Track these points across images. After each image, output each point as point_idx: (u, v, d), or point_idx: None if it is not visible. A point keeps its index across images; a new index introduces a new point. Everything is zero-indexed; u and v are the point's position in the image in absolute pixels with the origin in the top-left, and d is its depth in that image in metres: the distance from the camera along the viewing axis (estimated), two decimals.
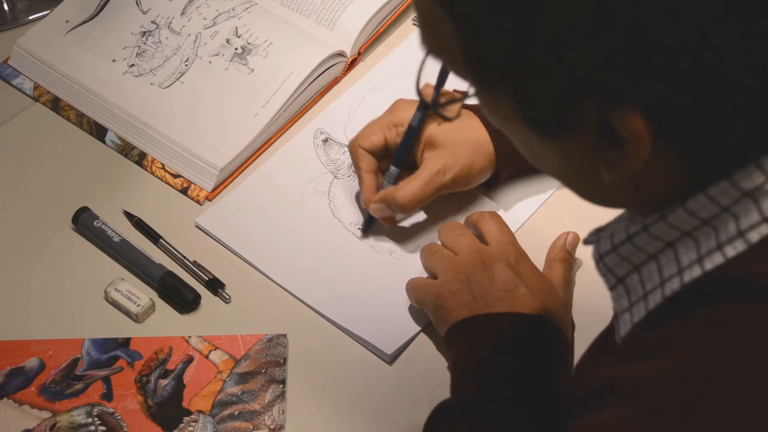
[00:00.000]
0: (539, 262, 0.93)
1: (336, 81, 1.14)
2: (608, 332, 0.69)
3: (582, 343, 0.88)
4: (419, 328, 0.93)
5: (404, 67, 1.14)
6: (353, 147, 0.99)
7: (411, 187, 0.95)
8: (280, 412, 0.88)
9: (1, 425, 0.88)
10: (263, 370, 0.90)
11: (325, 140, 1.08)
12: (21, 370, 0.91)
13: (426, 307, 0.91)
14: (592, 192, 0.61)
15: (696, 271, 0.57)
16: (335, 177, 1.05)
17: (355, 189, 1.04)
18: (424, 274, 0.96)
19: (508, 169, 1.00)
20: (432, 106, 0.95)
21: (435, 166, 0.96)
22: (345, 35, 1.14)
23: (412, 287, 0.93)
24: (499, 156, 0.98)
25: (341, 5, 1.15)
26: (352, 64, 1.15)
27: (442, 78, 0.92)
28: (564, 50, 0.52)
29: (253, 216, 1.02)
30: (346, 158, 1.06)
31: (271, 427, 0.87)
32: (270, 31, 1.13)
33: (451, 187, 0.97)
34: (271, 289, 0.97)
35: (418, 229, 1.01)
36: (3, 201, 1.05)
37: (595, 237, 0.65)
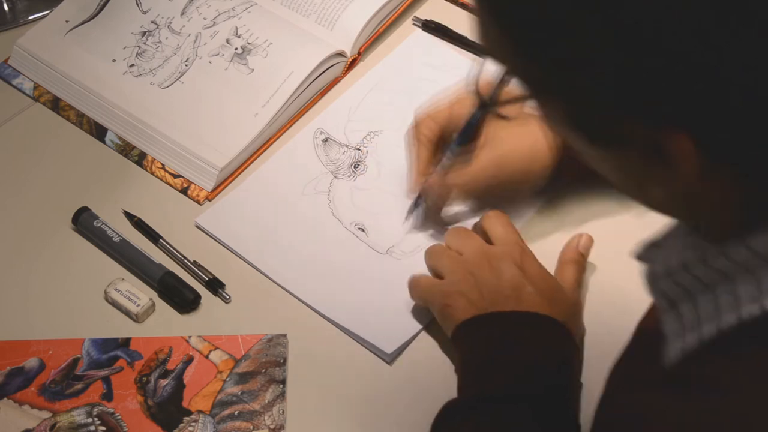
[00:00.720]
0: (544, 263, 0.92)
1: (336, 81, 1.14)
2: (643, 352, 0.68)
3: (592, 348, 0.88)
4: (419, 328, 0.93)
5: (404, 67, 1.14)
6: (416, 130, 0.98)
7: (466, 175, 0.95)
8: (280, 412, 0.88)
9: (1, 425, 0.88)
10: (263, 370, 0.90)
11: (325, 140, 1.08)
12: (21, 370, 0.91)
13: (432, 306, 0.90)
14: (647, 203, 0.61)
15: (754, 309, 0.56)
16: (335, 177, 1.05)
17: (355, 189, 1.04)
18: (425, 274, 0.96)
19: (571, 171, 0.96)
20: (489, 104, 0.93)
21: (489, 163, 0.95)
22: (345, 35, 1.14)
23: (417, 285, 0.92)
24: (564, 156, 0.95)
25: (341, 5, 1.15)
26: (352, 64, 1.15)
27: (504, 77, 0.90)
28: (608, 71, 0.51)
29: (252, 216, 1.02)
30: (347, 158, 1.06)
31: (271, 427, 0.87)
32: (270, 31, 1.13)
33: (501, 189, 0.96)
34: (271, 289, 0.97)
35: (419, 230, 1.01)
36: (3, 201, 1.05)
37: (649, 254, 0.64)
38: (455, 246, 0.92)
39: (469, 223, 0.98)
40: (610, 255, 0.93)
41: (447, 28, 1.17)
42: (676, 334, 0.61)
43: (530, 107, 0.96)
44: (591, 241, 0.94)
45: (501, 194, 0.98)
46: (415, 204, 1.00)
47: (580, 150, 0.60)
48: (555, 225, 0.98)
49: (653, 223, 0.64)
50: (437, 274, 0.92)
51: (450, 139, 0.97)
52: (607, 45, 0.51)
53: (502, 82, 0.90)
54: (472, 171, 0.95)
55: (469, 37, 1.16)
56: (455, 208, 1.00)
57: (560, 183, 1.00)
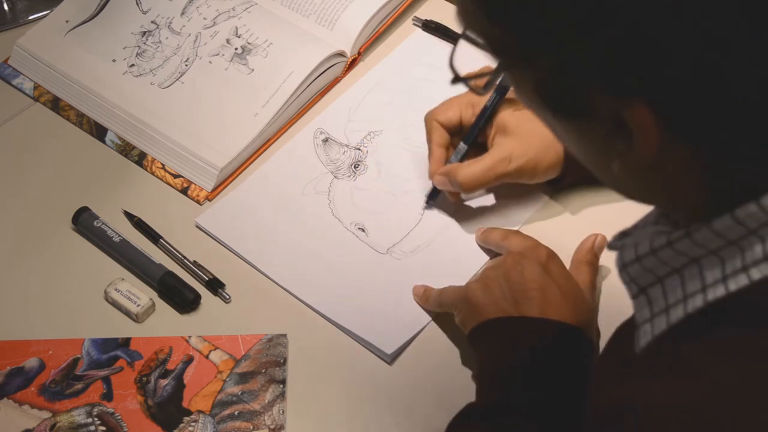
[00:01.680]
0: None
1: (336, 81, 1.14)
2: (621, 343, 0.68)
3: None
4: (419, 328, 0.93)
5: (404, 67, 1.14)
6: (429, 119, 1.00)
7: (473, 168, 0.96)
8: (280, 412, 0.88)
9: (1, 425, 0.88)
10: (263, 370, 0.90)
11: (325, 140, 1.08)
12: (21, 370, 0.91)
13: (455, 307, 0.90)
14: (610, 181, 0.61)
15: (720, 291, 0.56)
16: (335, 177, 1.05)
17: (355, 189, 1.04)
18: (425, 275, 0.96)
19: (575, 172, 0.98)
20: (506, 88, 0.95)
21: (502, 153, 0.96)
22: (345, 35, 1.14)
23: (442, 291, 0.92)
24: (568, 157, 0.96)
25: (341, 5, 1.15)
26: (352, 64, 1.15)
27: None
28: (569, 41, 0.52)
29: (252, 216, 1.02)
30: (347, 158, 1.06)
31: (271, 427, 0.87)
32: (270, 31, 1.13)
33: (515, 177, 0.97)
34: (271, 289, 0.97)
35: (419, 229, 1.01)
36: (3, 201, 1.05)
37: (619, 243, 0.64)
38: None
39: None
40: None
41: (447, 28, 1.17)
42: (646, 319, 0.61)
43: None
44: (605, 241, 0.94)
45: (515, 182, 0.98)
46: (432, 195, 1.01)
47: (547, 123, 0.60)
48: (559, 222, 0.98)
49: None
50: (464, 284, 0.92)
51: (463, 135, 0.99)
52: (572, 15, 0.52)
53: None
54: (479, 167, 0.96)
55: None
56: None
57: (563, 183, 1.00)
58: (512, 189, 1.00)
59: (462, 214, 1.01)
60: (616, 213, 0.96)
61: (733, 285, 0.56)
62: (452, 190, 0.98)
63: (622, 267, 0.63)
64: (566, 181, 1.00)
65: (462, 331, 0.92)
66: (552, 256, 0.90)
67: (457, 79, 0.88)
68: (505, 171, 0.95)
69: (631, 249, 0.62)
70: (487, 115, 0.97)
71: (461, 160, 0.98)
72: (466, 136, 0.98)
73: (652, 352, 0.61)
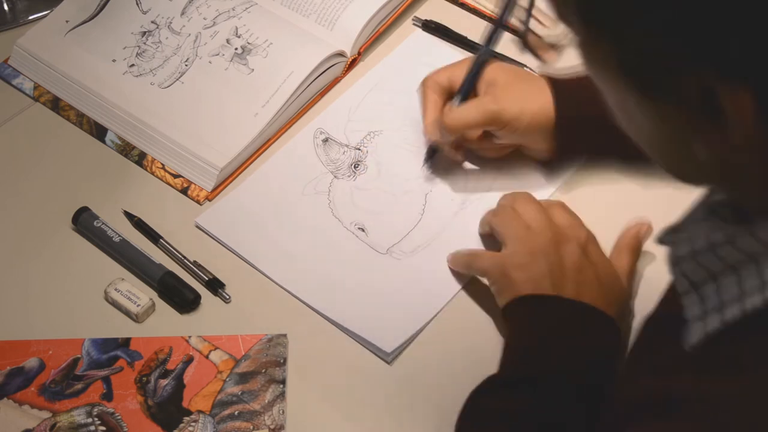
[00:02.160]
0: None
1: (336, 81, 1.14)
2: (655, 332, 0.68)
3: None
4: (419, 328, 0.93)
5: (404, 67, 1.14)
6: (424, 85, 1.02)
7: (460, 109, 0.98)
8: (280, 412, 0.88)
9: (1, 425, 0.88)
10: (263, 370, 0.90)
11: (325, 140, 1.08)
12: (21, 370, 0.91)
13: (489, 276, 0.90)
14: (677, 164, 0.59)
15: None
16: (335, 177, 1.05)
17: (355, 189, 1.04)
18: (425, 276, 0.96)
19: (562, 144, 0.98)
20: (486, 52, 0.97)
21: (488, 95, 0.98)
22: (345, 35, 1.14)
23: (475, 256, 0.93)
24: (558, 123, 0.96)
25: (341, 5, 1.15)
26: (352, 64, 1.15)
27: (528, 16, 0.90)
28: (675, 17, 0.50)
29: (252, 216, 1.02)
30: (347, 158, 1.06)
31: (271, 427, 0.87)
32: (270, 31, 1.13)
33: (500, 123, 0.97)
34: (271, 289, 0.97)
35: (419, 229, 1.01)
36: (3, 201, 1.05)
37: (670, 238, 0.64)
38: (526, 216, 0.91)
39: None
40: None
41: (447, 28, 1.17)
42: (698, 317, 0.60)
43: (546, 76, 0.99)
44: (651, 231, 0.94)
45: (500, 133, 0.99)
46: (430, 153, 1.03)
47: (619, 102, 0.58)
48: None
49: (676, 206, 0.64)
50: (501, 239, 0.91)
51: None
52: None
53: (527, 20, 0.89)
54: (465, 108, 0.98)
55: (469, 38, 1.16)
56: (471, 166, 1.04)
57: (578, 161, 1.01)
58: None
59: (462, 213, 1.01)
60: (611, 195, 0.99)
61: None
62: (442, 138, 1.00)
63: (676, 262, 0.62)
64: (558, 152, 0.99)
65: (462, 331, 0.92)
66: (592, 239, 0.90)
67: (524, 46, 0.86)
68: (492, 111, 0.96)
69: (686, 244, 0.61)
70: (477, 69, 1.00)
71: None
72: (459, 89, 1.00)
73: (704, 347, 0.60)
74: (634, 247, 0.93)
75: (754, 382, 0.54)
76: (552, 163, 1.01)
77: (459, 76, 1.01)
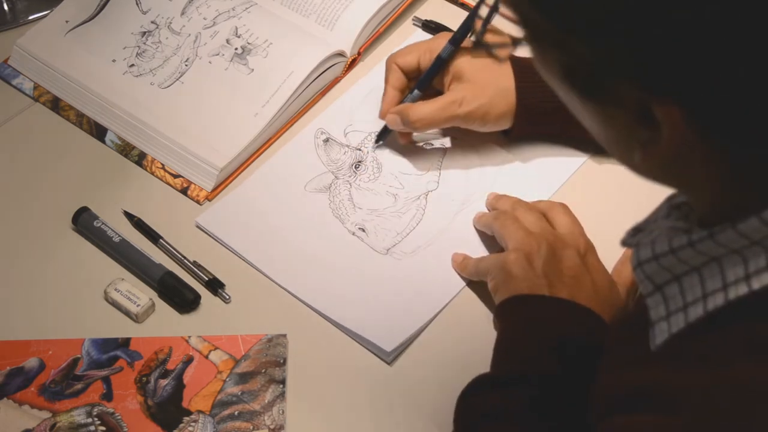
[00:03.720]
0: None
1: (336, 81, 1.14)
2: (631, 331, 0.68)
3: None
4: (419, 327, 0.93)
5: None
6: (388, 61, 1.05)
7: (425, 108, 1.00)
8: (280, 412, 0.88)
9: (1, 425, 0.88)
10: (263, 370, 0.90)
11: (326, 140, 1.08)
12: (21, 370, 0.91)
13: (490, 273, 0.91)
14: (626, 162, 0.60)
15: (742, 289, 0.56)
16: (336, 177, 1.05)
17: (356, 189, 1.04)
18: (425, 275, 0.96)
19: (521, 127, 1.01)
20: (458, 43, 0.99)
21: (455, 96, 1.00)
22: (345, 35, 1.14)
23: (480, 259, 0.94)
24: (518, 111, 1.00)
25: (341, 5, 1.15)
26: (352, 64, 1.15)
27: (490, 15, 0.91)
28: (610, 33, 0.52)
29: (253, 216, 1.02)
30: (347, 158, 1.06)
31: (271, 427, 0.87)
32: (270, 31, 1.13)
33: (465, 122, 1.00)
34: (271, 289, 0.97)
35: (420, 230, 1.01)
36: (3, 201, 1.05)
37: (633, 240, 0.64)
38: (526, 222, 0.93)
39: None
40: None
41: (447, 28, 1.17)
42: (661, 317, 0.61)
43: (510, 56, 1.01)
44: None
45: (467, 127, 1.02)
46: (382, 134, 1.06)
47: (568, 102, 0.60)
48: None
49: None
50: (503, 242, 0.93)
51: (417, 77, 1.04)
52: (616, 7, 0.51)
53: (489, 20, 0.91)
54: (430, 107, 1.00)
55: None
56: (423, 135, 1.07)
57: (511, 135, 1.04)
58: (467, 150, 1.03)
59: (462, 214, 1.01)
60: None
61: (757, 284, 0.56)
62: (403, 129, 1.03)
63: (638, 264, 0.63)
64: (514, 134, 1.03)
65: (462, 332, 0.92)
66: (591, 248, 0.91)
67: (479, 44, 0.90)
68: (455, 113, 0.99)
69: (648, 247, 0.61)
70: (441, 64, 1.01)
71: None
72: (419, 82, 1.03)
73: (670, 343, 0.60)
74: None
75: (718, 376, 0.55)
76: (512, 135, 1.04)
77: (427, 61, 1.02)
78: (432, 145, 1.07)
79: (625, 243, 0.66)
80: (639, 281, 0.63)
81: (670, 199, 0.66)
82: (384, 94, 1.04)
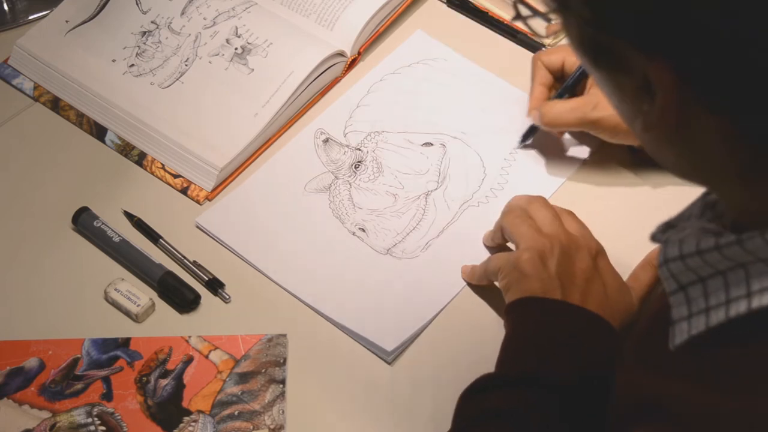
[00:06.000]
0: None
1: (336, 81, 1.14)
2: (650, 335, 0.67)
3: None
4: (419, 327, 0.93)
5: (404, 67, 1.14)
6: (534, 58, 1.04)
7: (558, 106, 1.00)
8: (280, 412, 0.88)
9: (1, 425, 0.88)
10: (263, 370, 0.90)
11: (326, 140, 1.08)
12: (21, 370, 0.91)
13: (500, 273, 0.89)
14: (642, 141, 0.60)
15: (766, 299, 0.55)
16: (336, 177, 1.05)
17: (356, 189, 1.04)
18: (425, 275, 0.96)
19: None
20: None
21: (589, 98, 0.99)
22: (345, 35, 1.14)
23: (488, 259, 0.92)
24: None
25: (341, 5, 1.15)
26: (352, 64, 1.15)
27: None
28: None
29: (253, 216, 1.02)
30: (347, 158, 1.06)
31: (271, 427, 0.87)
32: (270, 31, 1.13)
33: (595, 127, 0.99)
34: (271, 289, 0.97)
35: (420, 230, 1.01)
36: (3, 201, 1.04)
37: (663, 236, 0.64)
38: (539, 220, 0.91)
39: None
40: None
41: (469, 3, 1.17)
42: (683, 317, 0.60)
43: None
44: None
45: (596, 134, 1.01)
46: (527, 135, 1.05)
47: (589, 71, 0.60)
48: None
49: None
50: (513, 241, 0.91)
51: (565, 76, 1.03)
52: None
53: None
54: (563, 107, 0.99)
55: (489, 14, 1.17)
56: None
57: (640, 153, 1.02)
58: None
59: (463, 214, 1.01)
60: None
61: None
62: (543, 128, 1.02)
63: (664, 262, 0.62)
64: (642, 153, 0.99)
65: (462, 332, 0.92)
66: (602, 251, 0.90)
67: (517, 17, 0.89)
68: (587, 116, 0.98)
69: (675, 246, 0.61)
70: (584, 74, 1.01)
71: None
72: (562, 88, 1.02)
73: (691, 350, 0.60)
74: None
75: (737, 388, 0.55)
76: (640, 154, 1.02)
77: (572, 62, 1.02)
78: (567, 151, 1.05)
79: (654, 238, 0.65)
80: (663, 279, 0.62)
81: (704, 196, 0.65)
82: (531, 92, 1.04)
